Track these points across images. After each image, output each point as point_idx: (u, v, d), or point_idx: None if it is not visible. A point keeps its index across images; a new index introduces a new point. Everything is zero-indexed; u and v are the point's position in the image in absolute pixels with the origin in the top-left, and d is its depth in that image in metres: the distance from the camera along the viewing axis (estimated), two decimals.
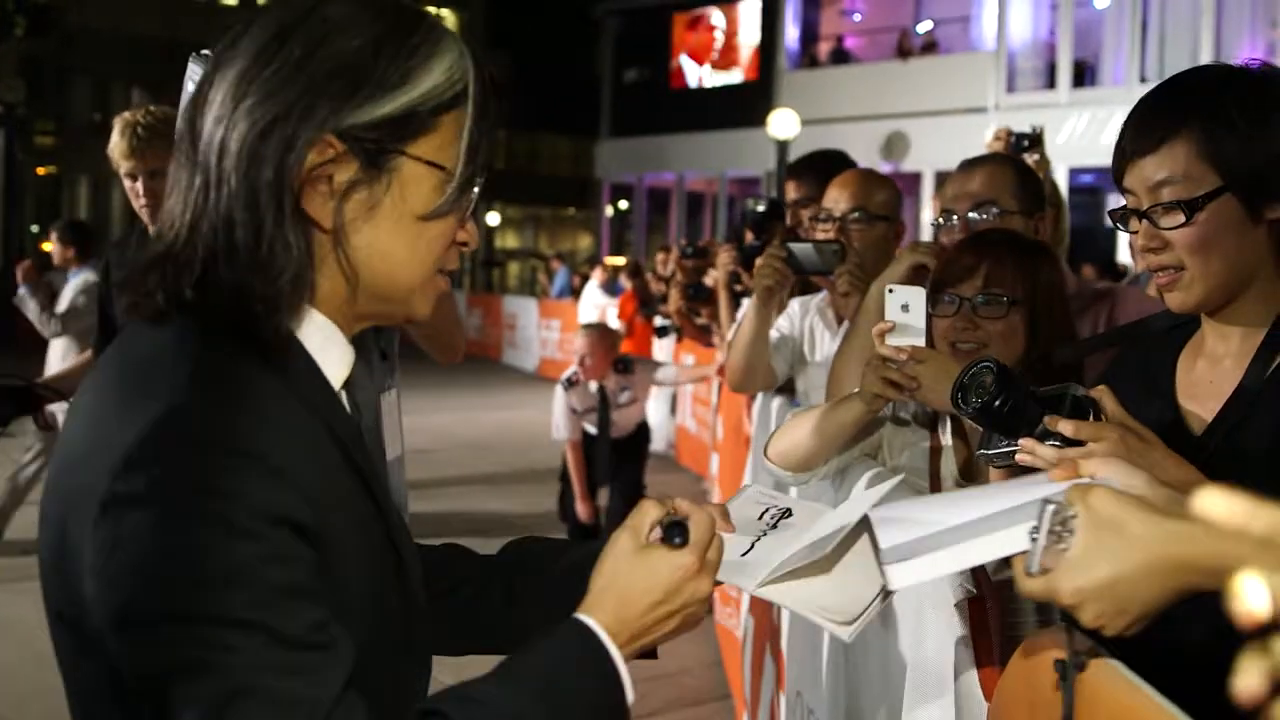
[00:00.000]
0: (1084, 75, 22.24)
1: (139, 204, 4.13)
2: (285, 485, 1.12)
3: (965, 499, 1.35)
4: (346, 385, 1.33)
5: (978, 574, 1.97)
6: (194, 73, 2.49)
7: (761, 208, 5.00)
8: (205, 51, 2.49)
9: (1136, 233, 1.83)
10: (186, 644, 1.06)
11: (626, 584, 1.31)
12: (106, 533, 1.09)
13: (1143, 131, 1.81)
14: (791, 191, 4.63)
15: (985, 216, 3.02)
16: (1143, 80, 20.62)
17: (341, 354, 1.30)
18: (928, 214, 22.53)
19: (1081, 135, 20.93)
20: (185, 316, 1.21)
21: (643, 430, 7.54)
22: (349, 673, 1.12)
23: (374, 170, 1.23)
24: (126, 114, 4.24)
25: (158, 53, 29.72)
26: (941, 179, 22.72)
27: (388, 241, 1.26)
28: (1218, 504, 0.86)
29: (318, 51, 1.21)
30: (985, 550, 1.25)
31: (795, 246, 3.54)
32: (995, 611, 1.92)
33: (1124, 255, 16.11)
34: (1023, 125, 4.66)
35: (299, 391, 1.22)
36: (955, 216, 3.08)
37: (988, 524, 1.25)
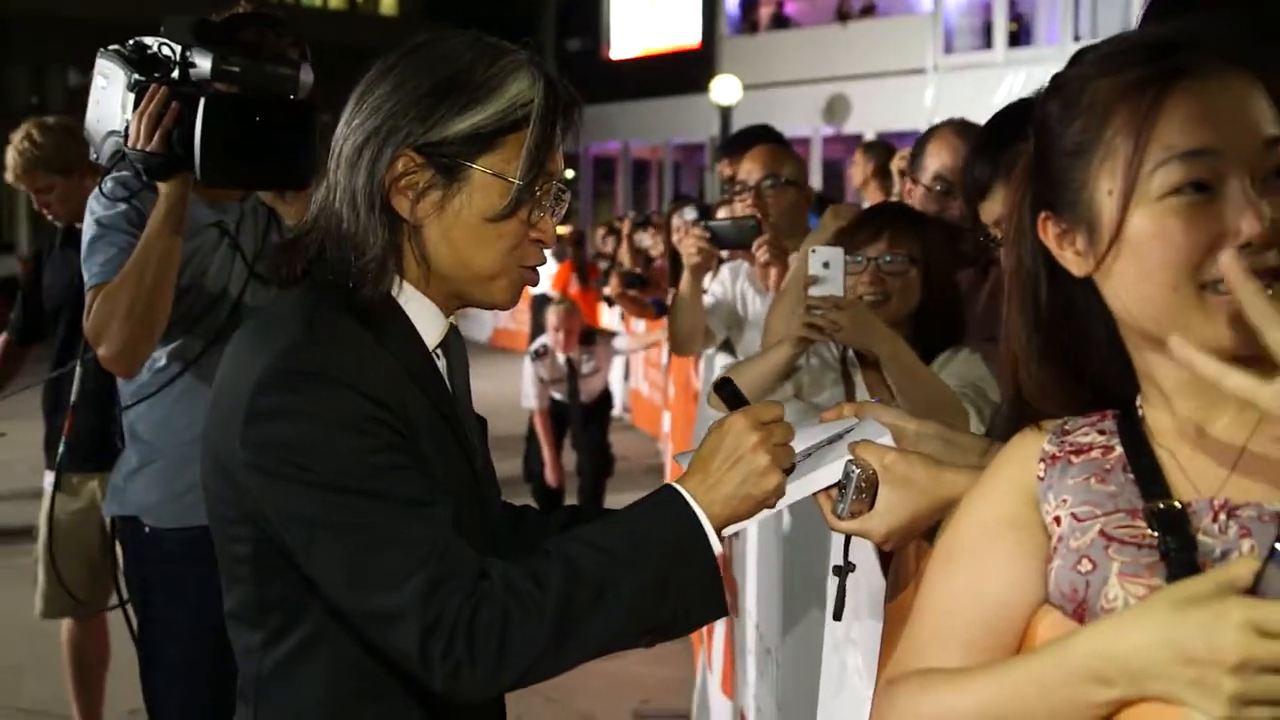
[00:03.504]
0: (1020, 35, 22.53)
1: (45, 213, 4.44)
2: (372, 401, 1.46)
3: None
4: (444, 347, 1.67)
5: None
6: (103, 67, 2.58)
7: (692, 215, 5.24)
8: (114, 47, 2.57)
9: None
10: (326, 509, 1.44)
11: (700, 453, 1.59)
12: (254, 436, 1.47)
13: (977, 175, 2.25)
14: (727, 169, 5.00)
15: (939, 188, 3.38)
16: (1077, 39, 20.91)
17: (435, 322, 1.63)
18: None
19: (1020, 93, 21.06)
20: (307, 283, 1.58)
21: (606, 397, 8.14)
22: (454, 522, 1.47)
23: (447, 179, 1.55)
24: (23, 129, 4.42)
25: (92, 36, 29.35)
26: (883, 139, 22.92)
27: (457, 236, 1.57)
28: None
29: (409, 81, 1.55)
30: (802, 490, 1.62)
31: (715, 225, 3.91)
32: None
33: None
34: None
35: (389, 342, 1.55)
36: (921, 187, 3.43)
37: (806, 466, 1.63)
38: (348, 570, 1.44)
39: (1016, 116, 2.25)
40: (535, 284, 1.67)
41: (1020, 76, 21.24)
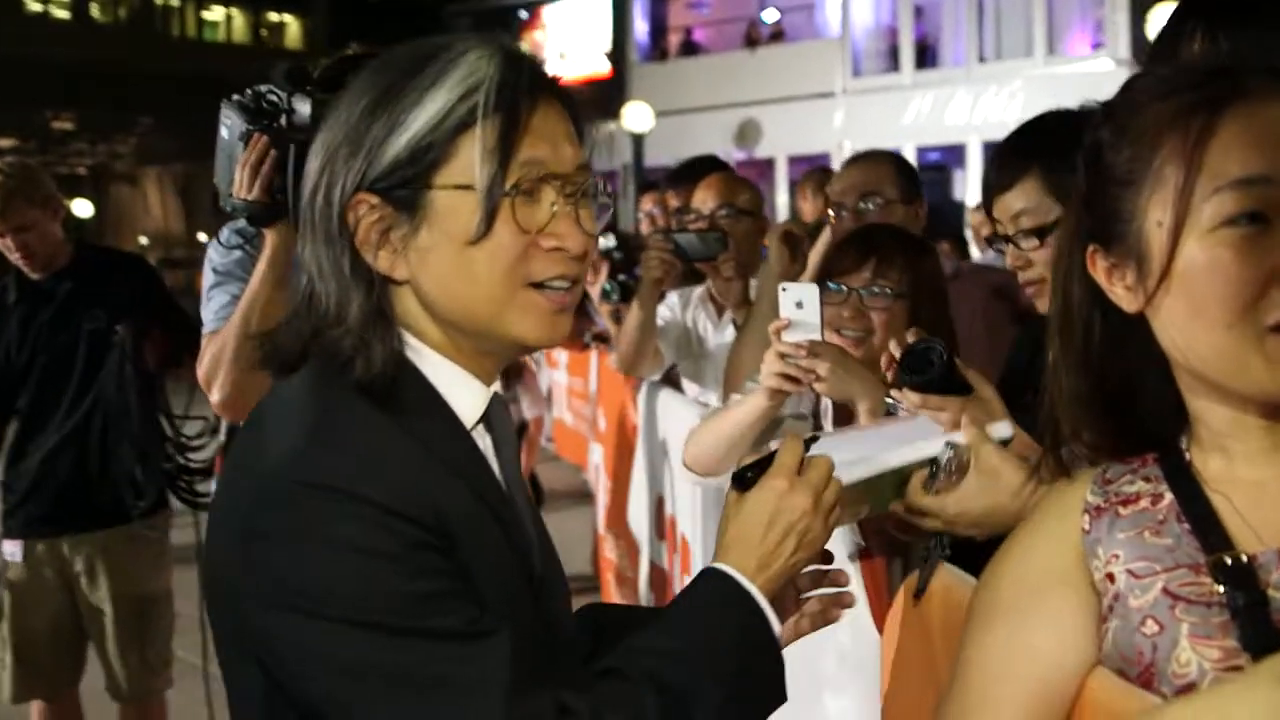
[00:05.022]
0: (926, 57, 22.84)
1: (14, 256, 4.05)
2: (395, 514, 1.19)
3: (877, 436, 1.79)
4: (487, 422, 1.39)
5: (866, 530, 2.24)
6: (224, 117, 2.55)
7: (611, 242, 5.15)
8: (235, 97, 2.54)
9: (1004, 252, 2.23)
10: (351, 654, 1.17)
11: (738, 526, 1.41)
12: (254, 564, 1.22)
13: (1001, 171, 2.19)
14: (673, 200, 4.93)
15: (871, 206, 3.34)
16: (981, 60, 21.27)
17: (469, 392, 1.36)
18: (782, 197, 22.92)
19: (927, 114, 21.52)
20: (310, 366, 1.32)
21: (522, 429, 8.23)
22: (517, 651, 1.20)
23: (409, 212, 1.28)
24: None
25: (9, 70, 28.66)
26: (794, 163, 23.16)
27: (444, 276, 1.30)
28: None
29: (344, 111, 1.31)
30: (905, 456, 1.73)
31: (680, 237, 3.79)
32: (881, 564, 2.17)
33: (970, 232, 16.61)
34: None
35: (414, 426, 1.29)
36: (845, 210, 3.37)
37: (904, 442, 1.76)
38: None
39: (1053, 123, 2.22)
40: (567, 304, 1.34)
41: (928, 98, 21.54)
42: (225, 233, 2.73)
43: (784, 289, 2.42)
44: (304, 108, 2.48)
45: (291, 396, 1.32)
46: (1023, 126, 2.28)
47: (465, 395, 1.35)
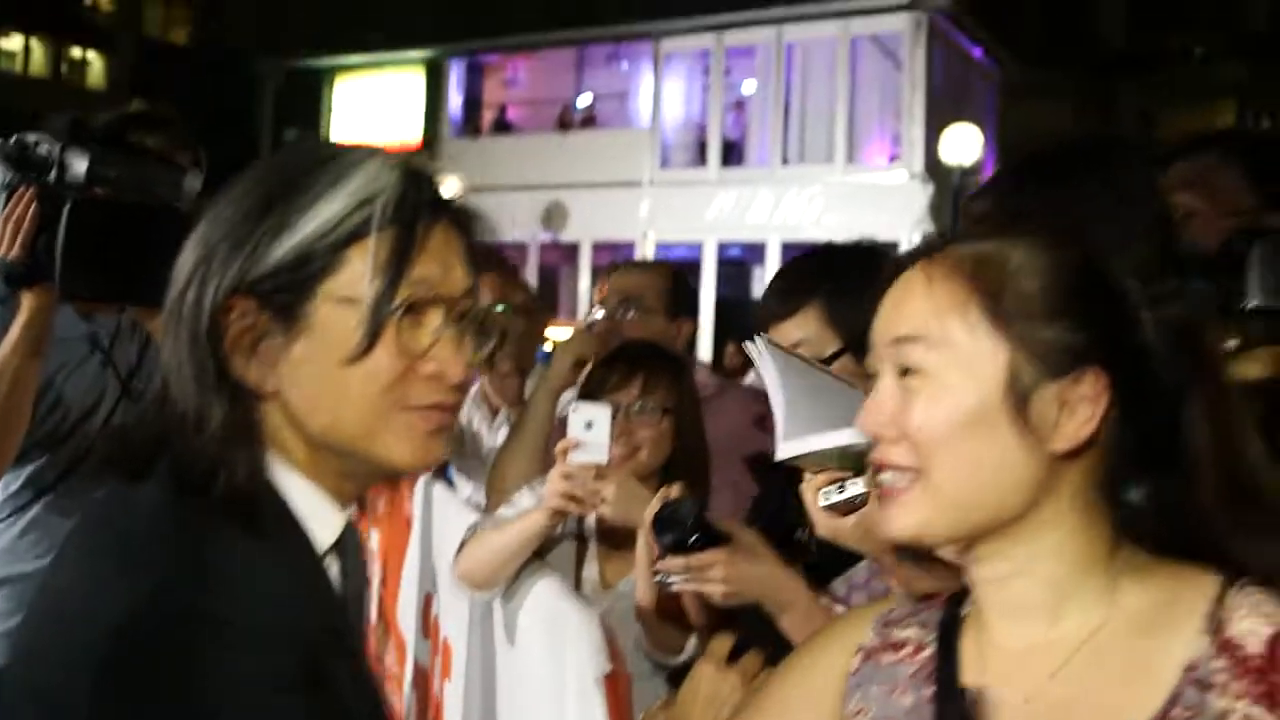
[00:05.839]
0: (732, 154, 23.48)
1: None
2: (277, 645, 1.10)
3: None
4: (340, 548, 1.29)
5: (613, 649, 2.28)
6: None
7: None
8: None
9: None
10: None
11: (681, 710, 1.53)
12: (113, 696, 1.06)
13: (780, 299, 2.19)
14: None
15: (632, 314, 3.33)
16: (785, 162, 21.98)
17: (325, 515, 1.25)
18: (585, 282, 23.10)
19: (730, 211, 22.05)
20: (161, 476, 1.18)
21: None
22: None
23: (288, 322, 1.19)
24: None
25: None
26: (599, 249, 23.42)
27: (321, 393, 1.20)
28: None
29: (232, 204, 1.23)
30: (822, 442, 1.66)
31: None
32: (627, 682, 2.21)
33: None
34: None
35: (277, 550, 1.18)
36: (605, 311, 3.38)
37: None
38: None
39: (840, 257, 2.27)
40: (444, 425, 1.26)
41: (731, 195, 22.10)
42: None
43: (575, 409, 2.43)
44: (79, 163, 2.33)
45: (148, 517, 1.18)
46: (805, 256, 2.31)
47: (322, 518, 1.26)
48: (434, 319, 1.23)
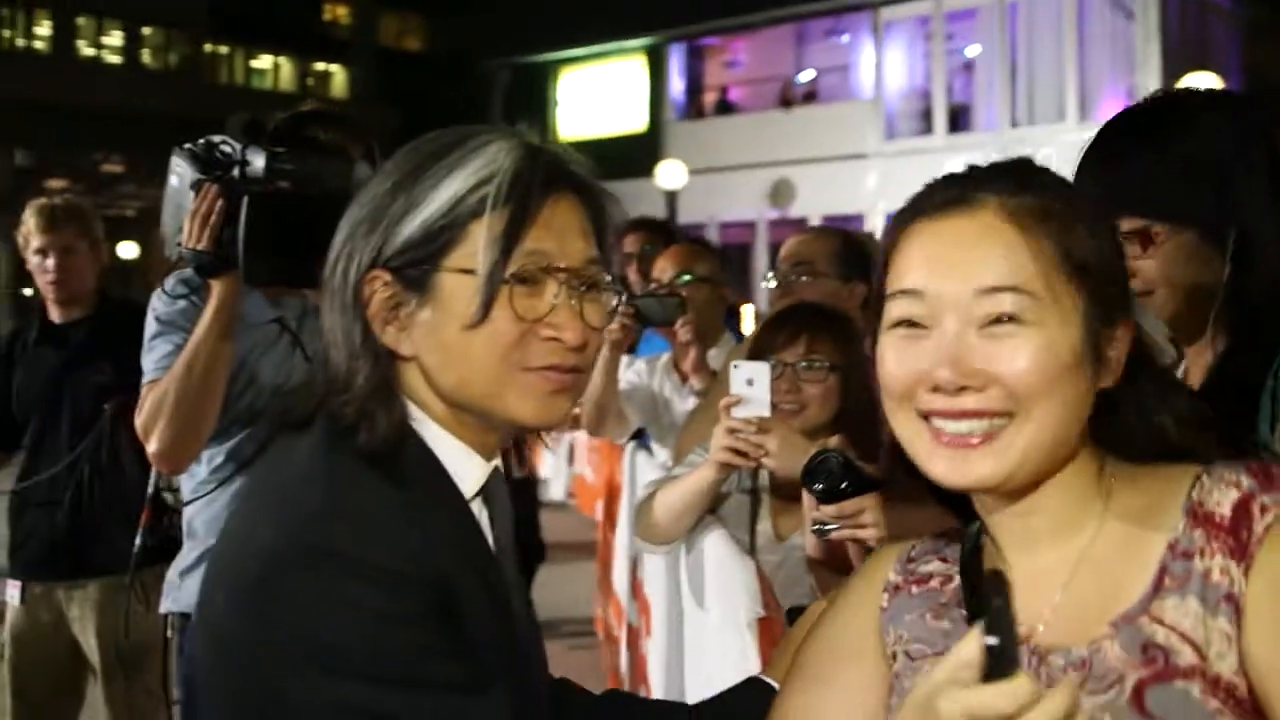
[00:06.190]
0: (959, 120, 22.98)
1: (46, 279, 4.14)
2: (405, 580, 1.24)
3: None
4: (485, 495, 1.43)
5: (767, 596, 2.36)
6: (175, 165, 2.59)
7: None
8: (187, 145, 2.58)
9: None
10: (359, 705, 1.20)
11: None
12: (267, 620, 1.23)
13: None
14: (630, 245, 5.05)
15: (803, 278, 3.45)
16: (1014, 125, 21.38)
17: (469, 465, 1.40)
18: None
19: None
20: (319, 428, 1.35)
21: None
22: (516, 708, 1.27)
23: (417, 291, 1.34)
24: (40, 200, 4.26)
25: (41, 115, 29.24)
26: (828, 223, 23.19)
27: (446, 354, 1.35)
28: None
29: (371, 189, 1.39)
30: None
31: (639, 301, 3.90)
32: (781, 627, 2.25)
33: None
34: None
35: (420, 497, 1.32)
36: (778, 277, 3.51)
37: None
38: None
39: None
40: (567, 386, 1.38)
41: (960, 161, 21.54)
42: (170, 282, 2.75)
43: (735, 366, 2.52)
44: (258, 160, 2.52)
45: (304, 463, 1.34)
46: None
47: (466, 468, 1.39)
48: (550, 287, 1.35)
